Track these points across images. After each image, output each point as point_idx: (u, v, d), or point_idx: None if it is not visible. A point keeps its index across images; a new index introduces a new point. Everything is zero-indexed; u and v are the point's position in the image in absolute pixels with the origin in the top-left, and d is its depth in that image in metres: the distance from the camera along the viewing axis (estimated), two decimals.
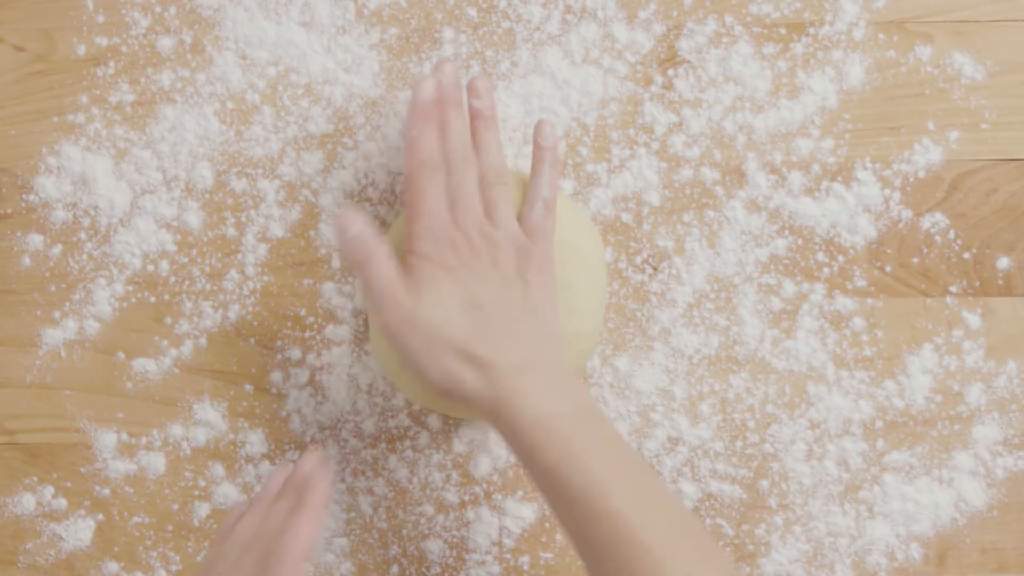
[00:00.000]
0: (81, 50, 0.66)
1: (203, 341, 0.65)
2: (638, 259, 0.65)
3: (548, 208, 0.58)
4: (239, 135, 0.66)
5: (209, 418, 0.65)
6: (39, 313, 0.66)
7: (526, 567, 0.64)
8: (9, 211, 0.66)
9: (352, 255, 0.55)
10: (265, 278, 0.65)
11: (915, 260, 0.65)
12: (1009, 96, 0.65)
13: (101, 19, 0.66)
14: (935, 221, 0.65)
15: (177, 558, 0.65)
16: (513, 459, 0.65)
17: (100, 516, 0.65)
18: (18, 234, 0.66)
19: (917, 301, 0.65)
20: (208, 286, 0.65)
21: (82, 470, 0.65)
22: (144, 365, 0.65)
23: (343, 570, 0.65)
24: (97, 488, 0.65)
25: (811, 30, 0.65)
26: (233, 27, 0.66)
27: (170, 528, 0.65)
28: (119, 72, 0.66)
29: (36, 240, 0.66)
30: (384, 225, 0.65)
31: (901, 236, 0.65)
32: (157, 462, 0.65)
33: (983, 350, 0.65)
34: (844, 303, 0.65)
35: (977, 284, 0.65)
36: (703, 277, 0.65)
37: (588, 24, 0.66)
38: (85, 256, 0.66)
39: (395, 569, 0.65)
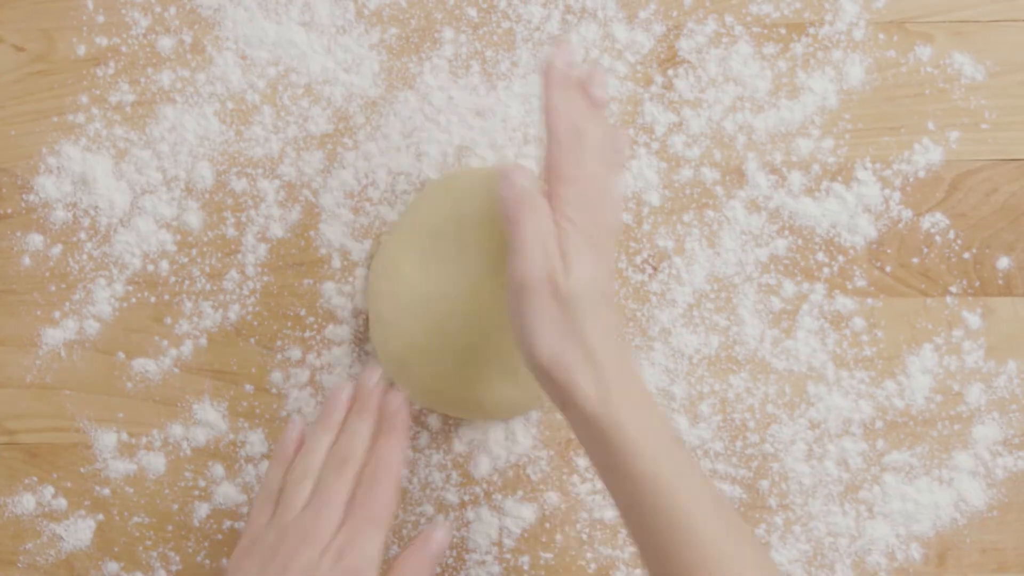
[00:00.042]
0: (81, 50, 0.66)
1: (203, 341, 0.65)
2: (638, 259, 0.65)
3: (598, 105, 0.56)
4: (239, 135, 0.66)
5: (209, 418, 0.65)
6: (39, 313, 0.66)
7: (526, 567, 0.64)
8: (9, 211, 0.66)
9: (512, 205, 0.52)
10: (265, 278, 0.65)
11: (915, 260, 0.65)
12: (1009, 96, 0.65)
13: (101, 19, 0.66)
14: (935, 221, 0.65)
15: (177, 558, 0.65)
16: (513, 459, 0.65)
17: (100, 516, 0.65)
18: (18, 234, 0.66)
19: (917, 301, 0.65)
20: (208, 286, 0.65)
21: (82, 470, 0.65)
22: (144, 365, 0.65)
23: None
24: (97, 488, 0.65)
25: (811, 30, 0.65)
26: (233, 27, 0.66)
27: (170, 528, 0.65)
28: (119, 72, 0.66)
29: (36, 240, 0.66)
30: (384, 225, 0.65)
31: (901, 236, 0.65)
32: (157, 462, 0.65)
33: (983, 350, 0.65)
34: (844, 303, 0.65)
35: (977, 284, 0.65)
36: (703, 277, 0.65)
37: (588, 24, 0.66)
38: (85, 256, 0.66)
39: None
